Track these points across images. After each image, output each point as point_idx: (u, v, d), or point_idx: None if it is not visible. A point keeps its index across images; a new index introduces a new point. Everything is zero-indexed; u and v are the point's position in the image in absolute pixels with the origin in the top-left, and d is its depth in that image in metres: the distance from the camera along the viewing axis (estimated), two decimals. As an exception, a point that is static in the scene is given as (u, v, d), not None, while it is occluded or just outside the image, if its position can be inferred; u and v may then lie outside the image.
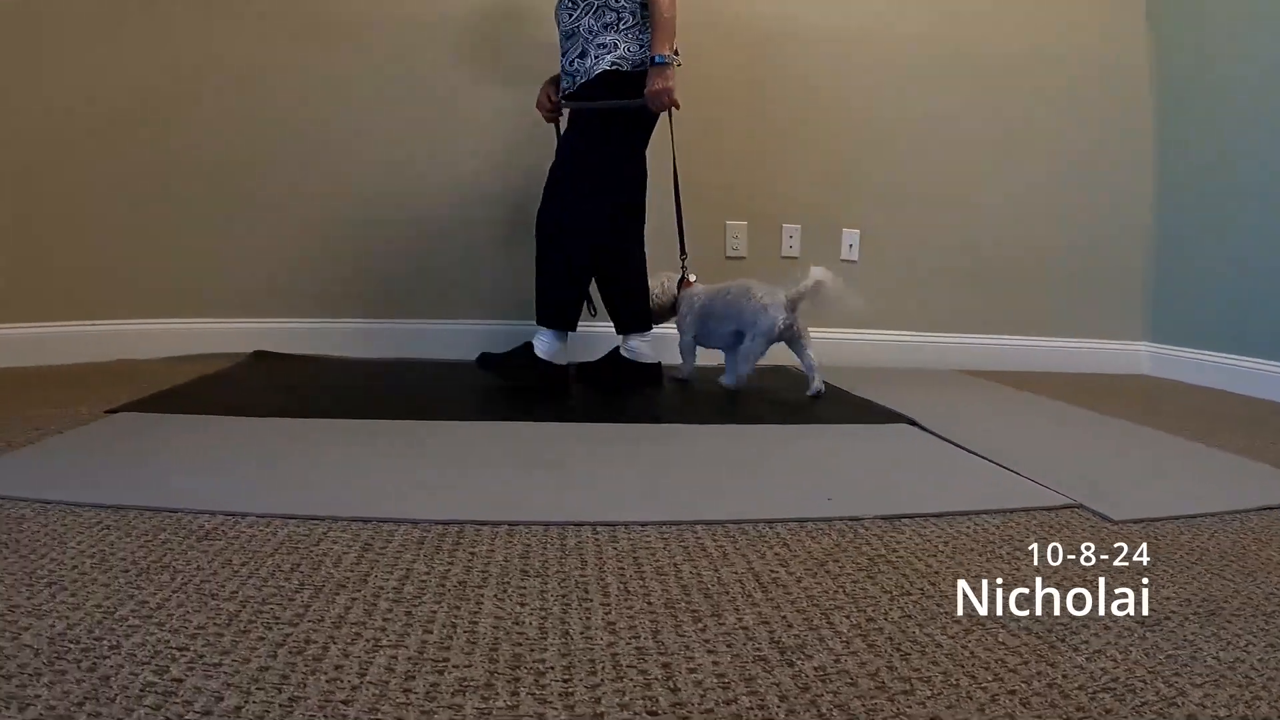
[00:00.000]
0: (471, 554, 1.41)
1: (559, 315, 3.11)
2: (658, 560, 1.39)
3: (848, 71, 4.04)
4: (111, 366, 3.36)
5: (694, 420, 2.71)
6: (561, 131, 3.35)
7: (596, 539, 1.49)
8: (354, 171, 3.79)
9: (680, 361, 3.40)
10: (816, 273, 3.07)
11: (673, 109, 3.15)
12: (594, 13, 3.09)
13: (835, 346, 3.84)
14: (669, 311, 3.37)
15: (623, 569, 1.35)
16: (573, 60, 3.13)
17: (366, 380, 3.29)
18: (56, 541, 1.44)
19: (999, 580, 1.30)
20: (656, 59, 3.04)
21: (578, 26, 3.10)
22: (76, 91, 3.46)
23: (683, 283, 3.36)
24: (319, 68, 3.75)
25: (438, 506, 1.66)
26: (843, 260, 4.05)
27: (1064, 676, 1.05)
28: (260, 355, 3.65)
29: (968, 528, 1.61)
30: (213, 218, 3.71)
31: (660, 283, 3.37)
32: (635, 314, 3.27)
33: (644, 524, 1.58)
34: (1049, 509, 1.76)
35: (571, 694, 0.97)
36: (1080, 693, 1.01)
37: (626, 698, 0.96)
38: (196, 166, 3.66)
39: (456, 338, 3.76)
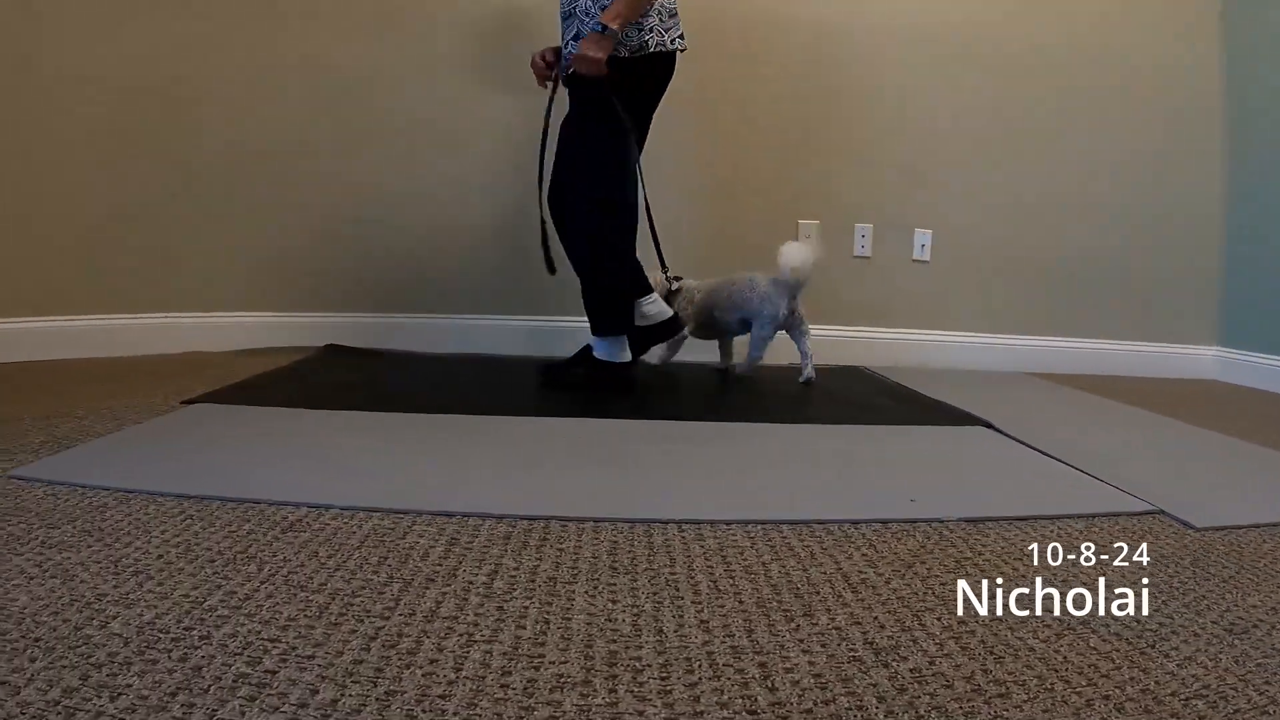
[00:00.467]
0: (559, 550, 1.43)
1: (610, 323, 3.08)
2: (746, 559, 1.41)
3: (920, 71, 4.02)
4: (183, 358, 3.45)
5: (767, 419, 2.71)
6: (552, 100, 3.23)
7: (683, 536, 1.51)
8: (415, 168, 3.84)
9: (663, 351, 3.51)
10: (789, 255, 3.27)
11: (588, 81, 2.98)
12: None
13: (904, 346, 3.85)
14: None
15: (711, 567, 1.37)
16: (568, 42, 3.02)
17: (434, 375, 3.33)
18: (141, 530, 1.48)
19: (1086, 584, 1.30)
20: (596, 25, 2.87)
21: (574, 8, 2.98)
22: (142, 85, 3.54)
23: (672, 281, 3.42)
24: (378, 58, 3.81)
25: (522, 502, 1.69)
26: (914, 260, 4.02)
27: (1156, 683, 1.05)
28: (332, 349, 3.70)
29: (1051, 532, 1.62)
30: (279, 212, 3.78)
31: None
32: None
33: (729, 522, 1.59)
34: (1131, 514, 1.76)
35: (670, 692, 0.98)
36: (1173, 699, 1.01)
37: (725, 696, 0.97)
38: (262, 160, 3.71)
39: (514, 334, 3.85)
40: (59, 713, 0.90)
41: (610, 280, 3.05)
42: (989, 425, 2.60)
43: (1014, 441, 2.40)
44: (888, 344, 3.99)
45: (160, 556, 1.35)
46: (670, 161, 3.75)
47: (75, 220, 3.41)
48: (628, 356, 3.08)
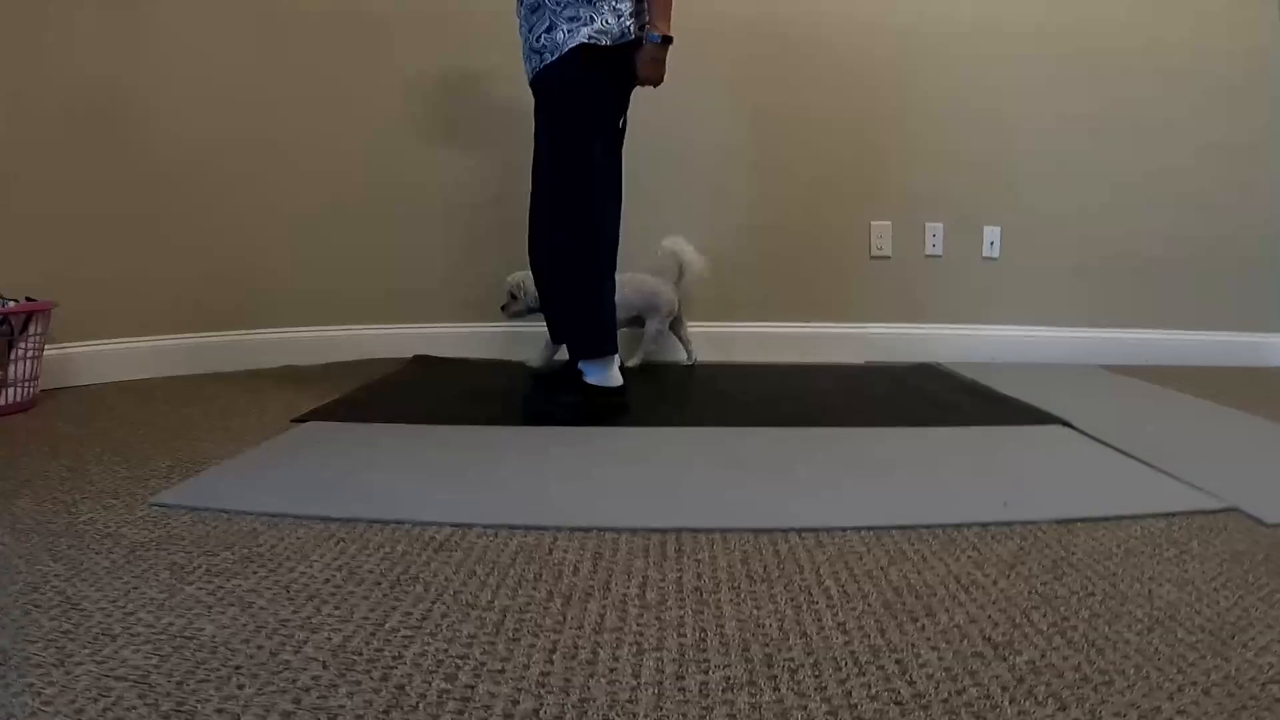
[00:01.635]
0: (697, 560, 1.62)
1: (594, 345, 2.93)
2: (865, 564, 1.60)
3: (985, 69, 4.15)
4: (278, 373, 3.69)
5: (855, 424, 2.84)
6: None
7: (805, 544, 1.70)
8: (494, 176, 4.01)
9: (539, 353, 3.74)
10: (689, 254, 3.61)
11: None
12: None
13: (976, 341, 4.00)
14: (532, 310, 3.57)
15: (836, 573, 1.56)
16: (539, 36, 2.82)
17: (521, 384, 3.46)
18: (300, 555, 1.63)
19: (1167, 579, 1.48)
20: (652, 37, 2.80)
21: (542, 0, 2.80)
22: (250, 112, 3.81)
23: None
24: (465, 66, 4.00)
25: (653, 515, 1.87)
26: (984, 258, 4.15)
27: (1236, 670, 1.22)
28: (419, 360, 3.91)
29: (1136, 531, 1.78)
30: (365, 229, 4.02)
31: (520, 285, 3.61)
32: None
33: (844, 529, 1.78)
34: (1208, 512, 1.91)
35: (825, 689, 1.17)
36: (1251, 684, 1.18)
37: (872, 691, 1.16)
38: (349, 182, 3.96)
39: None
40: None
41: (585, 290, 2.95)
42: (1067, 424, 2.75)
43: (1092, 440, 2.55)
44: (960, 339, 4.14)
45: (328, 580, 1.51)
46: (748, 163, 3.91)
47: (166, 245, 3.65)
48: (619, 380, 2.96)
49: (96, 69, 3.40)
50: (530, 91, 2.93)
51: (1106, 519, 1.86)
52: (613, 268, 2.95)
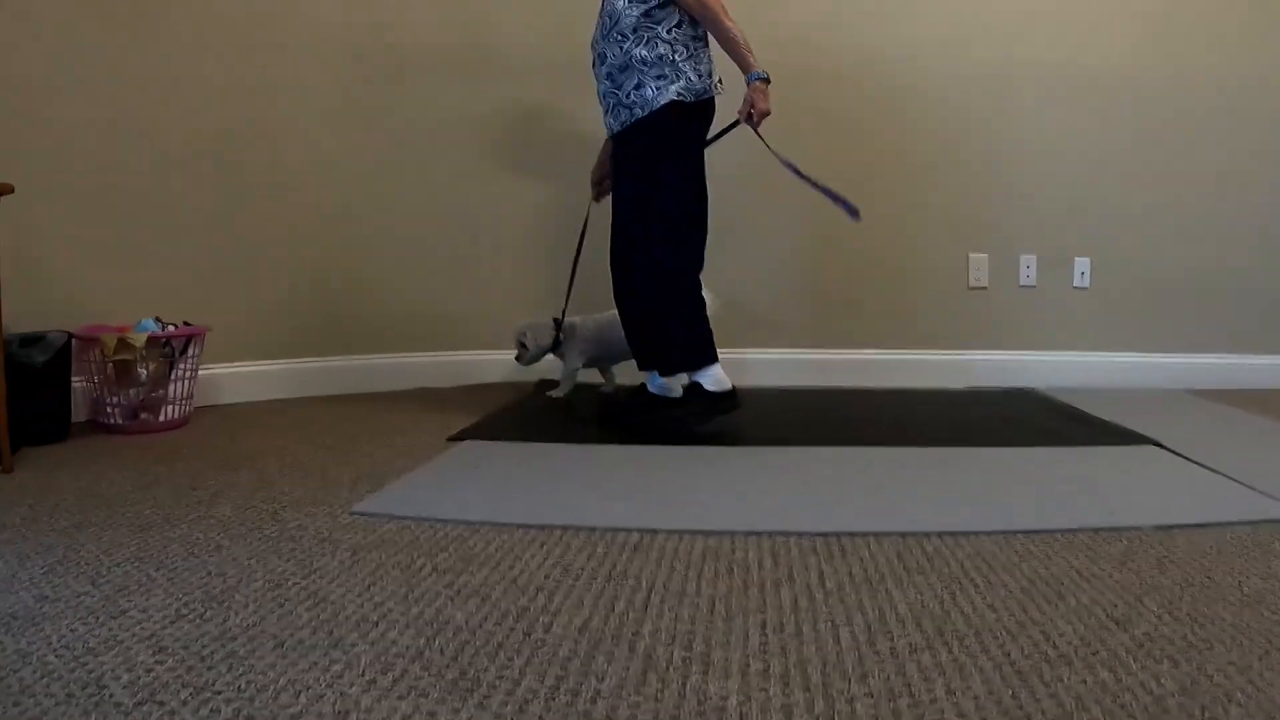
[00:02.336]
0: (860, 558, 1.97)
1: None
2: (1000, 560, 1.94)
3: (1070, 108, 4.43)
4: (415, 394, 4.13)
5: (965, 444, 3.15)
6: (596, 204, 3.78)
7: (945, 545, 2.05)
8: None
9: (564, 385, 4.07)
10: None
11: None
12: (646, 44, 3.15)
13: (1069, 368, 4.30)
14: (544, 352, 4.00)
15: (977, 567, 1.91)
16: (629, 92, 3.18)
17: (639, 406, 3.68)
18: (512, 556, 1.93)
19: (1255, 573, 1.81)
20: (754, 76, 3.12)
21: (631, 58, 3.15)
22: (372, 150, 4.27)
23: (556, 319, 3.98)
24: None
25: (813, 521, 2.22)
26: (1075, 287, 4.45)
27: (1314, 642, 1.55)
28: (544, 384, 4.30)
29: (1226, 536, 2.11)
30: (490, 260, 4.44)
31: (526, 333, 3.98)
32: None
33: (976, 533, 2.12)
34: (1286, 521, 2.23)
35: (988, 650, 1.52)
36: (1327, 653, 1.51)
37: (1025, 651, 1.51)
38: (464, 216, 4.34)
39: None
40: (565, 694, 1.45)
41: (664, 316, 3.29)
42: (1158, 444, 3.06)
43: (1181, 459, 2.86)
44: (1054, 366, 4.44)
45: (547, 577, 1.79)
46: (850, 197, 4.25)
47: (299, 274, 4.13)
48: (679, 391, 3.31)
49: (235, 116, 3.89)
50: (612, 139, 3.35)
51: (1200, 525, 2.18)
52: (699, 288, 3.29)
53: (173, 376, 3.39)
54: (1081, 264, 4.50)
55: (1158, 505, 2.38)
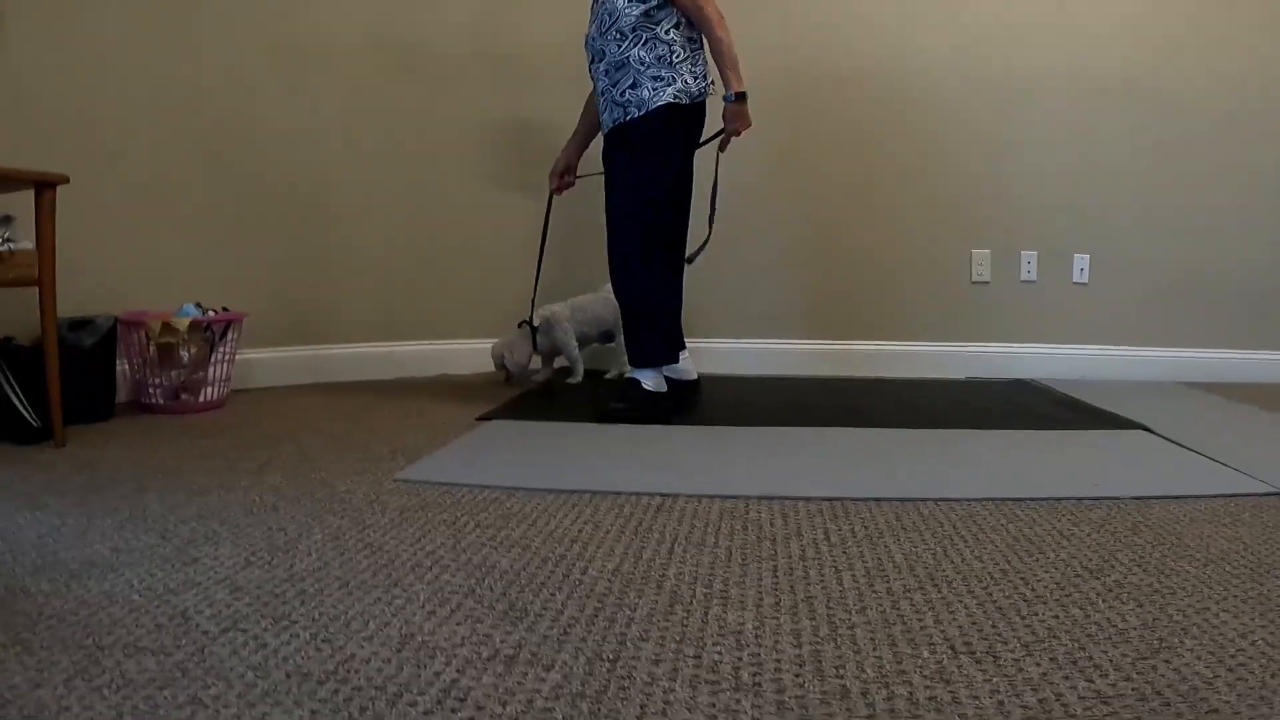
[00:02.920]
0: (861, 518, 2.15)
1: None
2: (989, 522, 2.13)
3: (1071, 110, 4.60)
4: (439, 380, 4.33)
5: (965, 427, 3.34)
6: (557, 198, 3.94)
7: (940, 509, 2.23)
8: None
9: (577, 369, 4.26)
10: None
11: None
12: (644, 45, 3.21)
13: (1067, 361, 4.48)
14: (528, 360, 4.15)
15: (968, 527, 2.09)
16: (624, 91, 3.26)
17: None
18: (547, 515, 2.11)
19: (1222, 537, 2.00)
20: (732, 96, 3.24)
21: (628, 58, 3.22)
22: (407, 160, 4.41)
23: (524, 323, 4.11)
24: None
25: (820, 487, 2.41)
26: (1074, 283, 4.62)
27: (1266, 591, 1.72)
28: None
29: (1200, 506, 2.28)
30: (503, 257, 4.48)
31: (503, 355, 4.14)
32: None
33: (969, 499, 2.31)
34: (1260, 495, 2.39)
35: (973, 591, 1.70)
36: (1277, 600, 1.70)
37: (1006, 593, 1.69)
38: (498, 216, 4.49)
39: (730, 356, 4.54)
40: (603, 620, 1.66)
41: (644, 307, 3.41)
42: (1147, 429, 3.24)
43: (1168, 442, 3.04)
44: (1053, 359, 4.62)
45: (580, 531, 1.99)
46: (856, 196, 4.45)
47: (327, 268, 4.36)
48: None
49: (274, 114, 4.13)
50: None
51: (1176, 497, 2.36)
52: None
53: (212, 360, 3.57)
54: (1081, 260, 4.66)
55: (1139, 480, 2.56)
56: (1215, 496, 2.38)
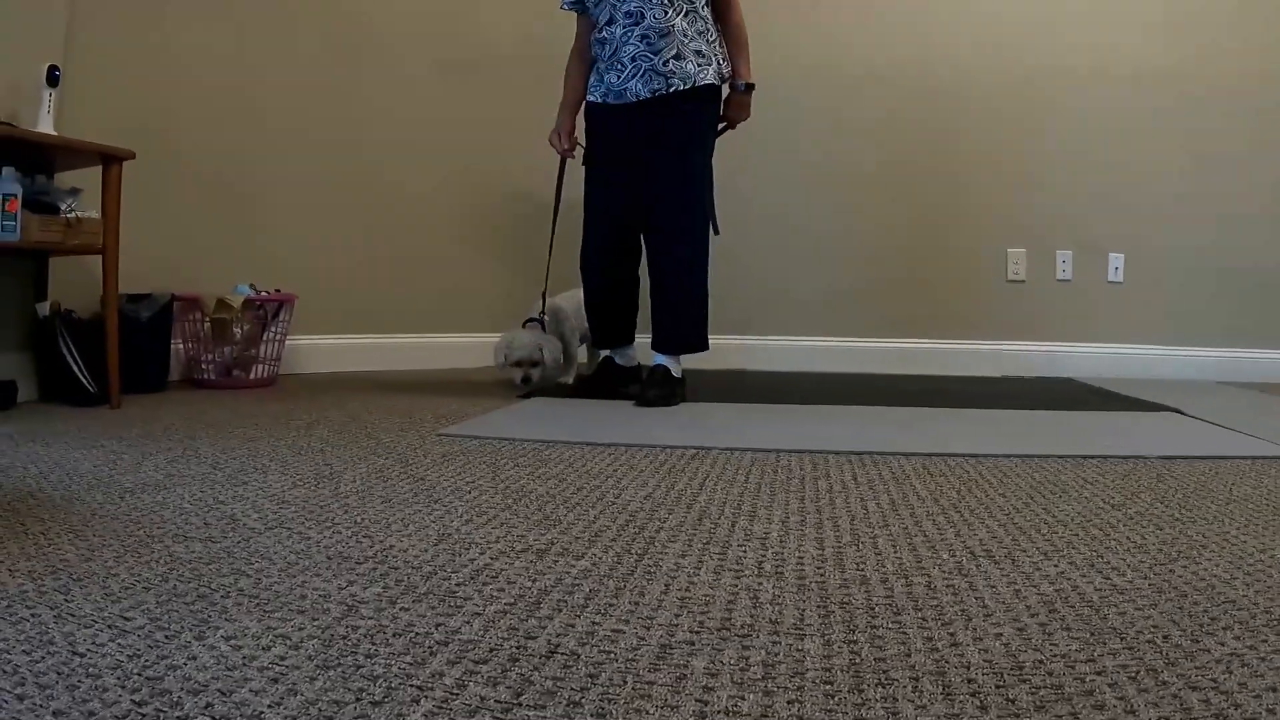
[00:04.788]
0: (890, 468, 2.20)
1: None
2: (1014, 471, 2.17)
3: (1105, 109, 4.64)
4: (485, 370, 4.26)
5: (998, 408, 3.38)
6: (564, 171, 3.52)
7: (967, 462, 2.28)
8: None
9: (571, 369, 3.80)
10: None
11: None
12: (685, 16, 3.08)
13: (1104, 360, 4.50)
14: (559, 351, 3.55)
15: (993, 474, 2.13)
16: (667, 60, 3.09)
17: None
18: (584, 460, 2.21)
19: (1247, 484, 2.04)
20: (744, 85, 3.21)
21: (672, 26, 3.06)
22: (449, 157, 4.49)
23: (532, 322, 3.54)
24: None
25: (851, 443, 2.47)
26: (1110, 282, 4.64)
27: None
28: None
29: (1224, 465, 2.31)
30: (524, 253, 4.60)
31: (542, 347, 3.43)
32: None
33: (995, 455, 2.37)
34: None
35: (994, 516, 1.75)
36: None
37: (1029, 519, 1.75)
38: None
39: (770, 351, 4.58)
40: (633, 529, 1.73)
41: (707, 296, 3.31)
42: (1178, 411, 3.26)
43: (1198, 420, 3.07)
44: (1089, 357, 4.64)
45: (614, 470, 2.10)
46: (891, 194, 4.51)
47: (375, 260, 4.45)
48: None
49: (330, 104, 4.25)
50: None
51: (1203, 456, 2.40)
52: None
53: (264, 338, 3.68)
54: (1116, 259, 4.68)
55: (1166, 443, 2.60)
56: (1242, 458, 2.41)
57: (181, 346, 3.67)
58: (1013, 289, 4.67)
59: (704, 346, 3.33)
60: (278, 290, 3.82)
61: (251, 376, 3.66)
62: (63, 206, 2.95)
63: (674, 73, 3.10)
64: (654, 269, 3.30)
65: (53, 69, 2.98)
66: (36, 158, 2.99)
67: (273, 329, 3.71)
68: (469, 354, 4.49)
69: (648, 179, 3.21)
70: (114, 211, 2.98)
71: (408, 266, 4.46)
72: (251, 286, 3.72)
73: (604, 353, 3.62)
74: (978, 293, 4.66)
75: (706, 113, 3.21)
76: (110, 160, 2.98)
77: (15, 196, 2.73)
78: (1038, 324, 4.67)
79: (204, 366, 3.61)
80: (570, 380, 3.73)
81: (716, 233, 3.28)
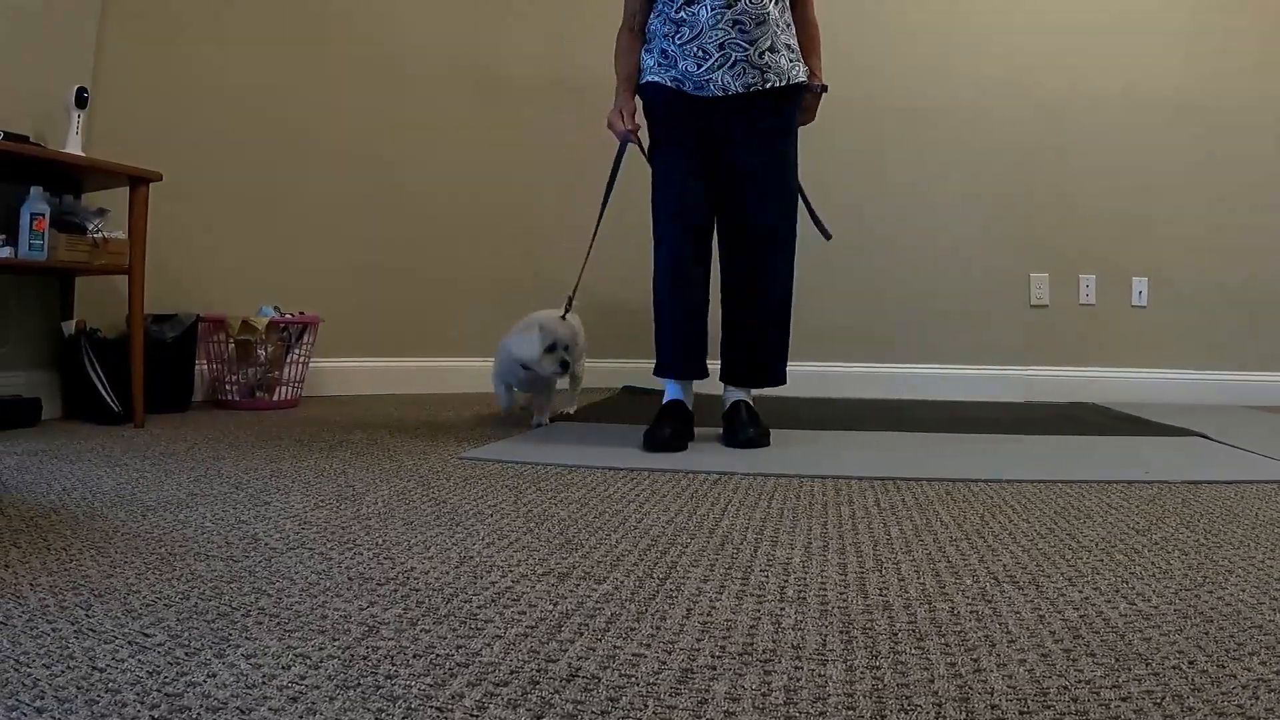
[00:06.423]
0: (913, 492, 2.20)
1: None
2: (1038, 497, 2.16)
3: (1131, 130, 4.65)
4: (472, 398, 4.26)
5: (1026, 434, 3.37)
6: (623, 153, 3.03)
7: (989, 487, 2.27)
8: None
9: (574, 395, 3.63)
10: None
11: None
12: (777, 4, 2.75)
13: (1127, 384, 4.47)
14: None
15: (1017, 499, 2.12)
16: (763, 53, 2.73)
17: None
18: (606, 485, 2.21)
19: (1273, 509, 2.02)
20: (822, 86, 2.90)
21: (768, 14, 2.71)
22: (472, 175, 4.49)
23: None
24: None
25: (875, 469, 2.46)
26: (1133, 306, 4.62)
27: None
28: (628, 389, 4.57)
29: (1249, 489, 2.29)
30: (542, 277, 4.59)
31: (569, 345, 3.12)
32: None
33: (1019, 481, 2.35)
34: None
35: (1018, 542, 1.74)
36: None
37: (1053, 544, 1.74)
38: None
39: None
40: (655, 553, 1.72)
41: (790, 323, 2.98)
42: (1203, 435, 3.24)
43: (1222, 445, 3.04)
44: (1113, 382, 4.61)
45: (637, 495, 2.09)
46: (914, 218, 4.50)
47: (403, 284, 4.46)
48: None
49: (363, 134, 4.29)
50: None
51: (1229, 481, 2.38)
52: None
53: (288, 360, 3.70)
54: (1139, 284, 4.67)
55: (1191, 469, 2.57)
56: (1268, 482, 2.39)
57: (206, 367, 3.68)
58: (1036, 314, 4.65)
59: (783, 380, 2.98)
60: (302, 312, 3.84)
61: (275, 398, 3.67)
62: (90, 227, 2.98)
63: (769, 66, 2.75)
64: (738, 291, 2.93)
65: (81, 91, 3.02)
66: (65, 178, 3.03)
67: (296, 351, 3.73)
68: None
69: (731, 184, 2.85)
70: (141, 232, 3.02)
71: (433, 290, 4.49)
72: (276, 308, 3.74)
73: (667, 393, 3.04)
74: (1001, 318, 4.64)
75: (796, 114, 2.89)
76: (138, 182, 3.01)
77: (43, 216, 2.76)
78: (1061, 349, 4.65)
79: (228, 387, 3.63)
80: (571, 410, 3.55)
81: (828, 237, 2.95)
